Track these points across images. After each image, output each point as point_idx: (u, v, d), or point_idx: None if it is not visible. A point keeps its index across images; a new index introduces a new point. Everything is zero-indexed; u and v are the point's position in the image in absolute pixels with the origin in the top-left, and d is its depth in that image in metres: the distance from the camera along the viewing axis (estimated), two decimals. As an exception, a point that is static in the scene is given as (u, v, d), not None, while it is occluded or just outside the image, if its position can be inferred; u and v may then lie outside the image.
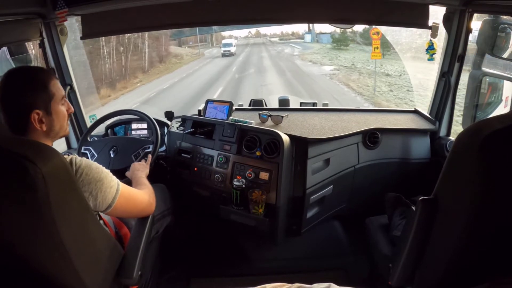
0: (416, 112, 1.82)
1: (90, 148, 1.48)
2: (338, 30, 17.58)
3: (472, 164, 0.59)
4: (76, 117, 1.74)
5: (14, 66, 1.47)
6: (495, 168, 0.56)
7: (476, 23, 1.44)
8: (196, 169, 1.58)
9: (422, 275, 0.79)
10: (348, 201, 1.71)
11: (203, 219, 1.70)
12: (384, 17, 1.53)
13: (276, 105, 1.97)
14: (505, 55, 1.38)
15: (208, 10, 1.49)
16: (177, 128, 1.71)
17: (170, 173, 1.66)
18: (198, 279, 1.57)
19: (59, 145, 1.74)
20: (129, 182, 1.14)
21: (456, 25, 1.47)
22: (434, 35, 1.49)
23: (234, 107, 1.63)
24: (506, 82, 1.53)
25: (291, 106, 1.98)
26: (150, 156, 1.40)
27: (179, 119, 1.78)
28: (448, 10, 1.47)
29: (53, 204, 0.68)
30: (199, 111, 1.70)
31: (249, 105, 1.97)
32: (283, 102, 1.97)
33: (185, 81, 14.68)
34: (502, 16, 1.36)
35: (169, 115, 1.87)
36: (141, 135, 1.78)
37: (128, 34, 13.37)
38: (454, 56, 1.52)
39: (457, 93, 1.61)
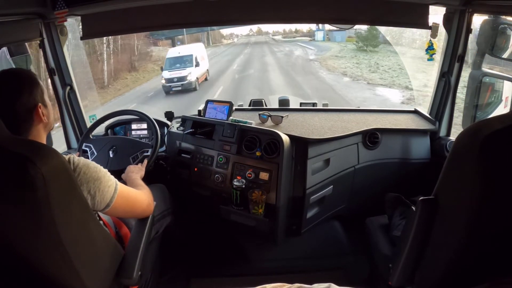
0: (416, 112, 1.82)
1: (91, 145, 1.49)
2: (363, 26, 13.55)
3: (472, 164, 0.59)
4: (76, 117, 1.74)
5: (14, 66, 1.47)
6: (495, 168, 0.56)
7: (476, 23, 1.44)
8: (196, 169, 1.58)
9: (422, 275, 0.79)
10: (348, 201, 1.71)
11: (203, 219, 1.70)
12: (384, 17, 1.53)
13: (276, 105, 1.97)
14: (505, 55, 1.38)
15: (208, 10, 1.49)
16: (177, 128, 1.71)
17: (170, 173, 1.66)
18: (198, 279, 1.57)
19: (59, 145, 1.74)
20: (125, 184, 1.13)
21: (456, 25, 1.47)
22: (434, 35, 1.50)
23: (234, 107, 1.63)
24: (506, 82, 1.54)
25: (291, 106, 1.98)
26: (146, 160, 1.40)
27: (179, 119, 1.78)
28: (448, 10, 1.47)
29: (53, 204, 0.68)
30: (199, 111, 1.70)
31: (249, 105, 1.97)
32: (283, 102, 1.97)
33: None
34: (502, 16, 1.36)
35: (169, 115, 1.86)
36: (141, 136, 1.78)
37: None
38: (454, 56, 1.52)
39: (457, 94, 1.61)
